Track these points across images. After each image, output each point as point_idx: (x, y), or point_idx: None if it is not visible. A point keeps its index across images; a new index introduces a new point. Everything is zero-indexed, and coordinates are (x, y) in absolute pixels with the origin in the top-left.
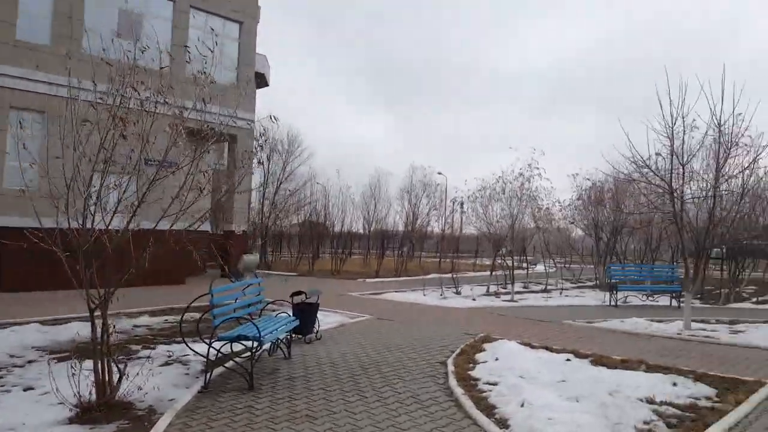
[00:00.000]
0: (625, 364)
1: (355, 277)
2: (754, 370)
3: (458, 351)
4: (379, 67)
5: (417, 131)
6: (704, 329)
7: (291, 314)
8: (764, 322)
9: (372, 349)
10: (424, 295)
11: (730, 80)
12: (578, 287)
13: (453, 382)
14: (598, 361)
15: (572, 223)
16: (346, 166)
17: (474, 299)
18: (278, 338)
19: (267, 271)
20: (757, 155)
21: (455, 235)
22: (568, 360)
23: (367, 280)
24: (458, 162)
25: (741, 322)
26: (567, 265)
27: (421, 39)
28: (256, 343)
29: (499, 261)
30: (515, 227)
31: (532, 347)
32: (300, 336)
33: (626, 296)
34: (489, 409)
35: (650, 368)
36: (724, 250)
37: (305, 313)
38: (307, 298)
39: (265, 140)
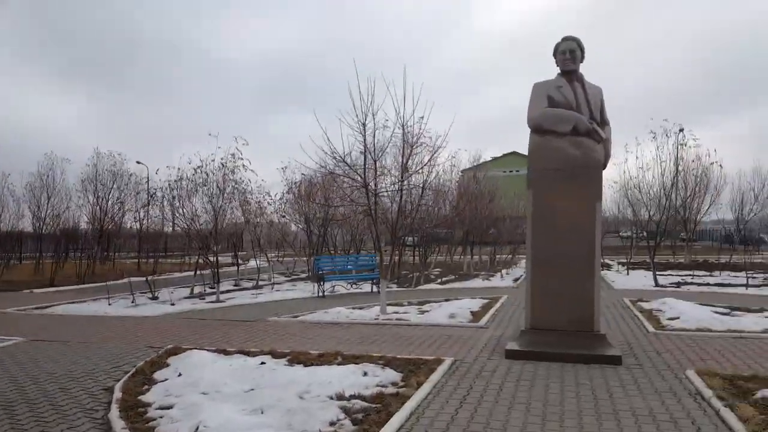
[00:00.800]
0: (322, 359)
1: (21, 288)
2: (435, 348)
3: (133, 371)
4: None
5: (113, 118)
6: (398, 312)
7: None
8: (445, 300)
9: (12, 385)
10: (109, 304)
11: (418, 85)
12: (292, 281)
13: (114, 413)
14: (295, 359)
15: (284, 217)
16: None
17: (173, 304)
18: None
19: None
20: (434, 153)
21: (158, 231)
22: (262, 363)
23: (36, 290)
24: (165, 151)
25: (428, 302)
26: (280, 259)
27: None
28: None
29: (205, 259)
30: (221, 222)
31: (227, 353)
32: None
33: (333, 286)
34: None
35: (345, 360)
36: (416, 239)
37: None
38: None
39: None
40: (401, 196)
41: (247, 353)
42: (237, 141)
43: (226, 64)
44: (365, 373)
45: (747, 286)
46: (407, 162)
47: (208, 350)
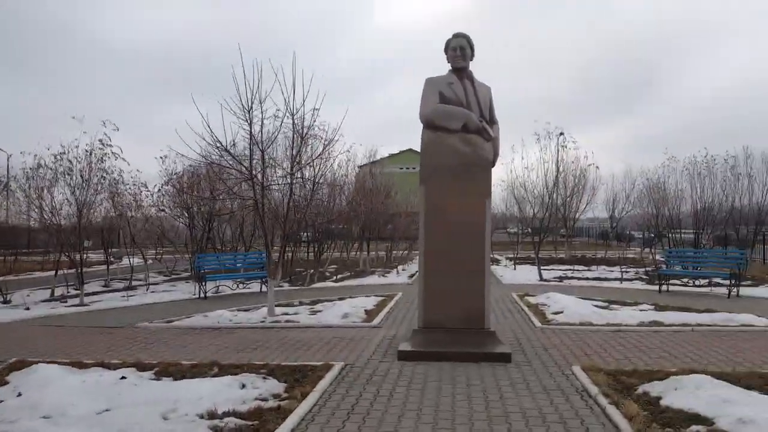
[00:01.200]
0: (195, 370)
1: None
2: (325, 352)
3: None
4: None
5: None
6: (287, 313)
7: None
8: (339, 299)
9: None
10: None
11: (313, 74)
12: (171, 281)
13: None
14: (164, 371)
15: (162, 210)
16: None
17: (28, 308)
18: None
19: None
20: (327, 146)
21: (20, 225)
22: (123, 378)
23: None
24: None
25: (321, 301)
26: (159, 257)
27: None
28: None
29: (68, 257)
30: (87, 216)
31: (82, 367)
32: None
33: (218, 286)
34: None
35: (222, 370)
36: (310, 234)
37: None
38: None
39: None
40: (291, 190)
41: (107, 366)
42: (105, 126)
43: (114, 46)
44: (243, 386)
45: (621, 280)
46: (297, 154)
47: (60, 363)
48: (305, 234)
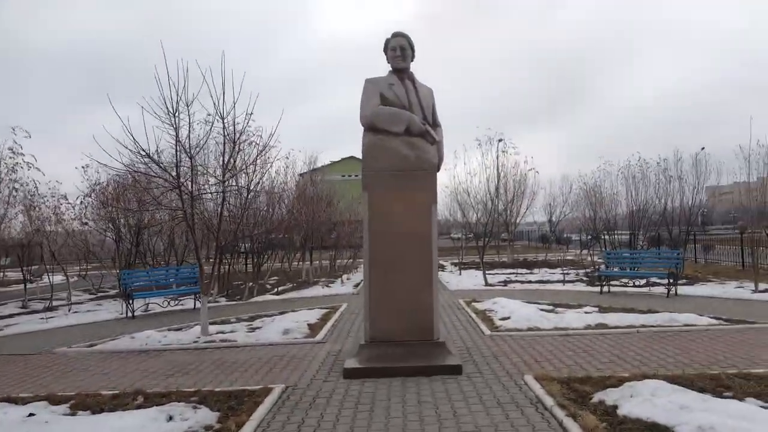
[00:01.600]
0: (117, 401)
1: None
2: (265, 373)
3: None
4: None
5: None
6: (223, 331)
7: None
8: (280, 313)
9: None
10: None
11: (247, 77)
12: (98, 299)
13: None
14: (81, 404)
15: (86, 223)
16: None
17: None
18: None
19: None
20: (262, 152)
21: None
22: (31, 415)
23: None
24: None
25: (261, 317)
26: (84, 274)
27: None
28: None
29: None
30: None
31: None
32: None
33: (147, 304)
34: None
35: (148, 400)
36: (247, 245)
37: None
38: None
39: None
40: (224, 198)
41: (14, 401)
42: (15, 133)
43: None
44: (171, 417)
45: (564, 282)
46: (229, 160)
47: None
48: (244, 245)
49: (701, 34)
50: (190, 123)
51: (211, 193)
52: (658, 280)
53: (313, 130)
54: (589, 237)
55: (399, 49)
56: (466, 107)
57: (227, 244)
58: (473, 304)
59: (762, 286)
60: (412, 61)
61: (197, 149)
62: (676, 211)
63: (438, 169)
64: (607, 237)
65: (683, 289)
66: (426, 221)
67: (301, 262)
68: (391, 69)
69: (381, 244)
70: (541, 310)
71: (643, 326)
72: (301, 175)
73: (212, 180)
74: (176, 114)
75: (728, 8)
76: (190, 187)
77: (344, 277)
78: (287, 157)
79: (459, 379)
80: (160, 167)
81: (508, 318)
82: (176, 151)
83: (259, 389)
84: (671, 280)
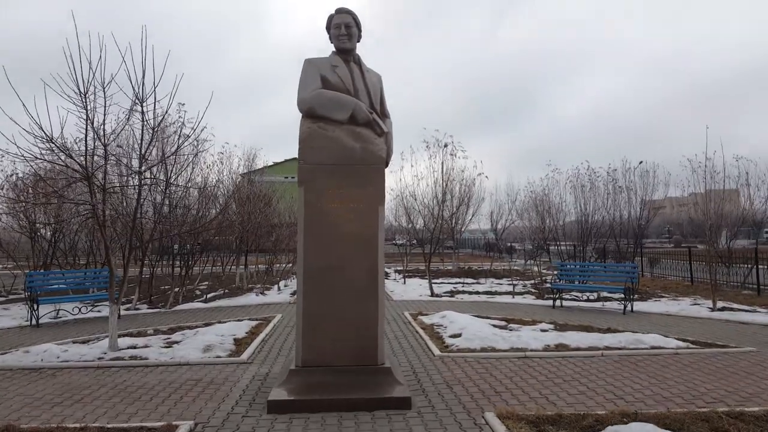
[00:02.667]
0: None
1: None
2: (173, 403)
3: None
4: None
5: None
6: (135, 346)
7: None
8: (205, 324)
9: None
10: None
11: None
12: (8, 302)
13: None
14: None
15: None
16: None
17: None
18: None
19: None
20: (182, 142)
21: None
22: None
23: None
24: None
25: (183, 329)
26: None
27: None
28: None
29: None
30: None
31: None
32: None
33: (57, 310)
34: None
35: None
36: (176, 246)
37: None
38: None
39: None
40: (139, 192)
41: None
42: None
43: None
44: None
45: (513, 294)
46: (148, 149)
47: None
48: (176, 246)
49: (638, 52)
50: (105, 107)
51: (126, 186)
52: (609, 294)
53: (259, 130)
54: (535, 247)
55: (344, 27)
56: (411, 109)
57: (147, 244)
58: (420, 317)
59: (719, 303)
60: (358, 41)
61: (113, 136)
62: (624, 223)
63: (386, 165)
64: (553, 248)
65: (638, 305)
66: (372, 223)
67: (235, 266)
68: (334, 49)
69: (318, 249)
70: (494, 326)
71: (608, 348)
72: (242, 175)
73: (127, 171)
74: (86, 95)
75: (657, 33)
76: (101, 179)
77: (281, 283)
78: (221, 153)
79: (407, 415)
80: (65, 153)
81: (459, 335)
82: (85, 137)
83: (160, 427)
84: (627, 296)
